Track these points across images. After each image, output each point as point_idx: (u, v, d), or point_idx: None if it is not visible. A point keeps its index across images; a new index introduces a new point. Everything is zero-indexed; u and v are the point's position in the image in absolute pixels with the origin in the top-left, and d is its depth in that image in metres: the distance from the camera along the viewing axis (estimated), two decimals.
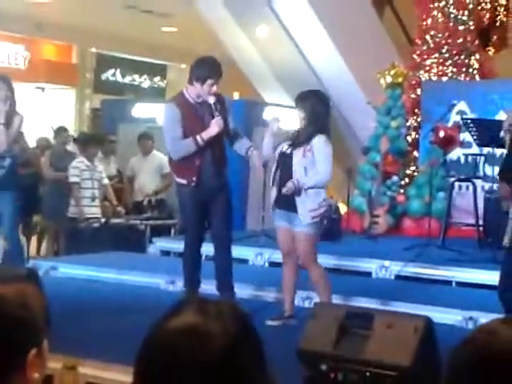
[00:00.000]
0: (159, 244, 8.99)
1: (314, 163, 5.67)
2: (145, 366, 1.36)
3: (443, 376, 1.29)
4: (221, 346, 1.32)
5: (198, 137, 5.89)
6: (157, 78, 18.65)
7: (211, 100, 5.92)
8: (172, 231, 10.26)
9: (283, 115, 12.40)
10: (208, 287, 6.14)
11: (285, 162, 5.75)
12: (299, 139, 5.77)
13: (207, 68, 5.96)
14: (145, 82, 18.32)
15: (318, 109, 5.78)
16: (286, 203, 5.72)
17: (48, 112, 15.12)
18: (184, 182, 6.07)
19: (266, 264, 8.06)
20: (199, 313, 1.35)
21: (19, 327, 1.60)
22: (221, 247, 6.16)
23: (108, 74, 17.54)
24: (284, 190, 5.63)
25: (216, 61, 6.08)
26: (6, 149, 6.86)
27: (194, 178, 6.00)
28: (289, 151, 5.75)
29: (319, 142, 5.69)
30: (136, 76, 18.10)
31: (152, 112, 12.45)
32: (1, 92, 6.82)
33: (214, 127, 5.90)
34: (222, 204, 6.09)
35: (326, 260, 7.77)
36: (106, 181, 9.87)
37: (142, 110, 12.64)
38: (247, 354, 1.35)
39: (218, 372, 1.30)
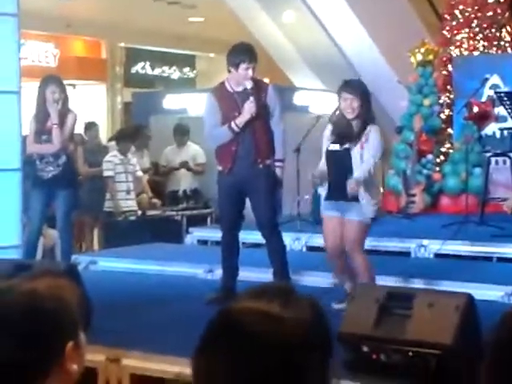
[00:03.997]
0: (196, 234, 9.01)
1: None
2: (215, 335, 1.35)
3: (487, 351, 1.27)
4: (293, 335, 1.32)
5: (232, 123, 5.91)
6: (186, 69, 18.66)
7: (248, 85, 5.92)
8: (208, 220, 10.29)
9: (314, 99, 12.39)
10: (249, 274, 6.16)
11: (338, 159, 5.66)
12: (351, 131, 5.65)
13: (240, 52, 5.98)
14: (174, 73, 18.34)
15: (369, 98, 5.71)
16: (342, 194, 5.57)
17: (80, 108, 15.21)
18: (220, 168, 6.13)
19: (304, 249, 8.05)
20: (279, 301, 1.36)
21: (53, 320, 1.61)
22: (266, 235, 6.16)
23: (138, 68, 17.59)
24: (349, 191, 5.53)
25: (248, 45, 6.14)
26: (60, 147, 7.00)
27: (229, 165, 6.02)
28: (344, 148, 5.63)
29: (375, 136, 5.61)
30: (165, 68, 18.13)
31: (183, 103, 12.47)
32: (53, 94, 7.00)
33: (245, 112, 5.90)
34: (261, 191, 6.05)
35: None
36: (139, 173, 9.92)
37: (173, 101, 12.66)
38: (318, 351, 1.36)
39: (285, 357, 1.31)
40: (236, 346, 1.31)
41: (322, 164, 5.76)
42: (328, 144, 5.73)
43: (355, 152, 5.60)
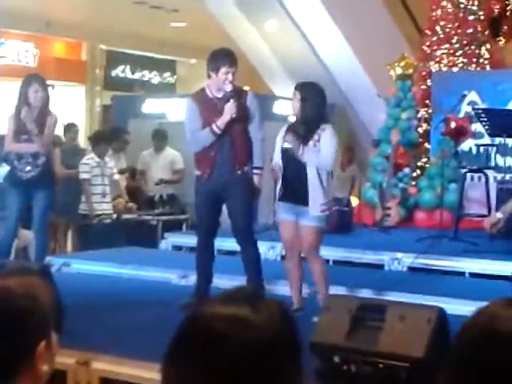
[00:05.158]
0: (171, 239, 8.99)
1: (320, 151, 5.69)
2: (185, 350, 1.33)
3: (447, 361, 1.28)
4: (263, 338, 1.32)
5: (213, 125, 5.90)
6: (166, 74, 18.64)
7: (227, 88, 5.93)
8: (184, 226, 10.27)
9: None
10: (223, 281, 6.15)
11: (292, 158, 5.73)
12: (302, 131, 5.75)
13: (220, 57, 6.00)
14: (155, 77, 18.32)
15: (319, 99, 5.79)
16: (295, 196, 5.72)
17: (58, 109, 15.13)
18: (198, 173, 6.11)
19: (279, 258, 8.05)
20: (247, 305, 1.36)
21: (26, 318, 1.61)
22: (243, 243, 6.16)
23: (118, 71, 17.55)
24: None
25: (228, 50, 6.17)
26: (40, 150, 6.96)
27: (208, 170, 6.01)
28: (296, 147, 5.71)
29: (327, 134, 5.69)
30: (146, 72, 18.10)
31: (162, 107, 12.45)
32: (36, 93, 6.95)
33: (226, 112, 5.89)
34: (238, 198, 6.05)
35: (337, 253, 7.78)
36: (116, 176, 9.89)
37: (152, 105, 12.65)
38: (288, 352, 1.36)
39: (260, 363, 1.30)
40: (204, 352, 1.30)
41: (277, 159, 5.83)
42: (282, 142, 5.80)
43: (308, 149, 5.67)
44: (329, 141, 5.69)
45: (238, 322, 1.32)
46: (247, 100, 6.09)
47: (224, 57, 6.00)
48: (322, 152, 5.66)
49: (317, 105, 5.75)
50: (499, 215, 4.90)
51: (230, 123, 5.93)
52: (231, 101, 5.91)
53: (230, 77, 5.94)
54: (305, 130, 5.76)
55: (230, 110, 5.90)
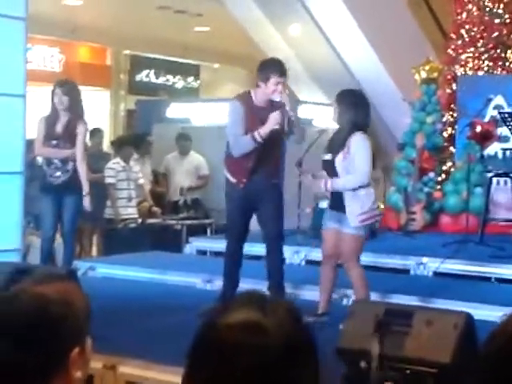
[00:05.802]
0: (195, 244, 9.01)
1: (354, 162, 5.64)
2: (200, 359, 1.34)
3: (476, 368, 1.27)
4: (276, 342, 1.31)
5: (255, 133, 5.82)
6: (190, 78, 18.69)
7: (276, 98, 5.87)
8: (208, 231, 10.28)
9: (318, 113, 12.41)
10: (248, 286, 6.14)
11: (328, 168, 5.74)
12: (336, 141, 5.73)
13: (270, 66, 5.95)
14: (178, 82, 18.37)
15: (355, 107, 5.72)
16: (337, 204, 5.70)
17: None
18: (234, 180, 6.07)
19: (303, 262, 8.04)
20: (257, 310, 1.35)
21: (62, 325, 1.61)
22: (272, 248, 6.13)
23: (142, 75, 17.62)
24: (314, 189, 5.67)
25: (278, 60, 6.10)
26: (69, 156, 6.95)
27: (244, 180, 5.99)
28: (329, 158, 5.71)
29: (356, 140, 5.64)
30: (170, 76, 18.16)
31: (186, 112, 12.48)
32: (59, 98, 6.92)
33: (271, 122, 5.83)
34: (271, 205, 6.05)
35: (363, 257, 7.70)
36: (141, 181, 9.92)
37: (176, 110, 12.68)
38: (301, 354, 1.34)
39: (273, 368, 1.30)
40: (217, 361, 1.30)
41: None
42: (324, 153, 5.81)
43: (338, 161, 5.65)
44: (357, 150, 5.60)
45: (249, 328, 1.32)
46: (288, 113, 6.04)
47: (274, 66, 5.94)
48: (355, 164, 5.60)
49: (348, 114, 5.68)
50: None
51: (270, 133, 5.86)
52: (277, 111, 5.83)
53: (279, 87, 5.88)
54: (337, 140, 5.74)
55: (275, 120, 5.82)
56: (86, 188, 6.99)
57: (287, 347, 1.32)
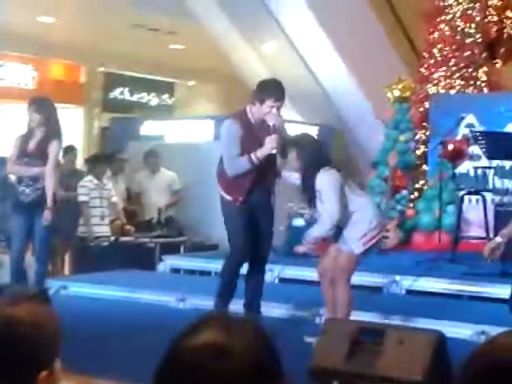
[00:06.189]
0: (169, 262, 8.98)
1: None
2: (165, 379, 1.34)
3: None
4: (242, 364, 1.30)
5: (252, 155, 5.80)
6: (165, 96, 18.67)
7: (270, 122, 5.83)
8: (182, 249, 10.25)
9: (291, 131, 12.44)
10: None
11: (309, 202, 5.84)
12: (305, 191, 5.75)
13: (267, 88, 5.90)
14: (153, 99, 18.34)
15: (308, 147, 5.69)
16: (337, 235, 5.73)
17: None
18: (230, 198, 6.00)
19: (276, 280, 8.03)
20: (222, 330, 1.34)
21: (30, 347, 1.60)
22: (262, 269, 6.13)
23: (116, 93, 17.58)
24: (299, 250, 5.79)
25: (278, 82, 6.01)
26: (40, 174, 6.88)
27: (240, 198, 5.94)
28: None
29: (320, 179, 5.60)
30: (144, 94, 18.13)
31: (160, 129, 12.47)
32: (30, 116, 6.88)
33: (268, 145, 5.80)
34: (268, 225, 6.07)
35: None
36: (114, 199, 9.88)
37: (150, 127, 12.66)
38: (268, 373, 1.33)
39: None
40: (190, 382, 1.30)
41: None
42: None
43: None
44: (322, 188, 5.59)
45: (213, 351, 1.30)
46: (283, 129, 6.04)
47: (271, 89, 5.89)
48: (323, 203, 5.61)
49: (305, 155, 5.64)
50: (499, 239, 4.88)
51: (267, 155, 5.86)
52: (273, 135, 5.80)
53: (274, 111, 5.84)
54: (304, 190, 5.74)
55: (271, 143, 5.79)
56: (49, 201, 6.89)
57: (253, 370, 1.30)
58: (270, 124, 5.84)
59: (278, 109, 5.87)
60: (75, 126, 16.56)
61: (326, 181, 5.60)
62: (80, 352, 4.98)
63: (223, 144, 6.00)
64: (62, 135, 7.09)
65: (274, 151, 5.84)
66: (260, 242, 6.05)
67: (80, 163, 11.89)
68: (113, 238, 9.69)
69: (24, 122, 7.12)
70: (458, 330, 5.91)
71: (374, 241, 5.73)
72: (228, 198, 6.01)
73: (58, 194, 9.75)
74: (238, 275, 6.09)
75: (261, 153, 5.81)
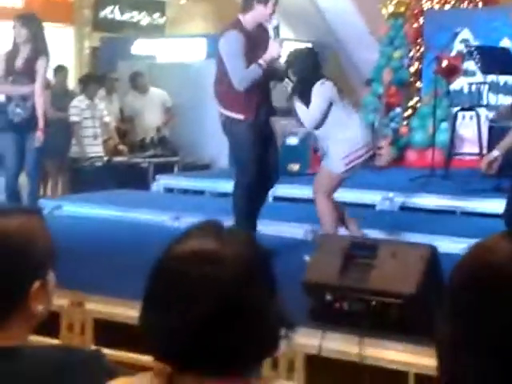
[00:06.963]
0: (163, 181, 8.97)
1: None
2: (156, 286, 1.33)
3: (444, 297, 1.27)
4: (233, 272, 1.30)
5: (260, 60, 5.65)
6: (156, 15, 18.38)
7: (274, 23, 5.73)
8: (175, 168, 10.24)
9: (285, 48, 12.30)
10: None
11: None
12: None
13: None
14: (144, 19, 18.06)
15: (301, 70, 5.73)
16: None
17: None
18: (241, 117, 5.77)
19: (271, 199, 8.04)
20: (213, 238, 1.33)
21: (22, 258, 1.60)
22: (267, 191, 6.08)
23: (106, 12, 17.28)
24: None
25: None
26: (29, 92, 6.76)
27: (253, 113, 5.77)
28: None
29: (315, 89, 5.64)
30: (135, 13, 17.84)
31: (152, 49, 12.31)
32: (18, 30, 6.71)
33: (274, 48, 5.68)
34: (275, 144, 6.02)
35: None
36: (107, 118, 9.82)
37: (141, 47, 12.50)
38: (259, 282, 1.33)
39: (228, 297, 1.29)
40: (173, 294, 1.29)
41: None
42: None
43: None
44: (313, 97, 5.64)
45: (205, 258, 1.30)
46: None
47: None
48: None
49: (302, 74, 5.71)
50: (496, 153, 4.86)
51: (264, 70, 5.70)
52: (277, 39, 5.71)
53: (275, 9, 5.74)
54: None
55: (276, 47, 5.69)
56: (40, 123, 6.80)
57: (242, 277, 1.30)
58: (274, 25, 5.71)
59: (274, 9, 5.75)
60: (66, 46, 16.35)
61: (316, 90, 5.62)
62: (75, 270, 5.01)
63: (229, 57, 5.72)
64: (49, 54, 6.93)
65: (280, 53, 5.74)
66: (268, 162, 5.93)
67: (72, 84, 11.77)
68: (106, 159, 9.66)
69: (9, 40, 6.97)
70: (452, 245, 5.94)
71: (358, 161, 5.72)
72: (238, 116, 5.79)
73: (49, 115, 9.74)
74: (254, 199, 5.86)
75: (268, 55, 5.67)
